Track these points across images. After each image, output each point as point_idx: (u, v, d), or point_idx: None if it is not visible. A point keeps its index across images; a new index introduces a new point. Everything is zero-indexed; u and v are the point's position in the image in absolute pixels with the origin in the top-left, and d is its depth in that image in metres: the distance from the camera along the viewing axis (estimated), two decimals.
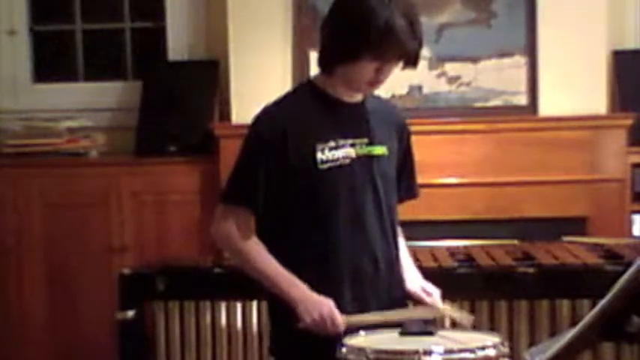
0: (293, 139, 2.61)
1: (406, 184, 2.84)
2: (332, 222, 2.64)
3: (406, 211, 2.85)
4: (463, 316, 2.67)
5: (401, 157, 2.80)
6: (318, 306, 2.55)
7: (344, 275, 2.64)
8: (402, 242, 2.84)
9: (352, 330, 2.53)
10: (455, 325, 2.69)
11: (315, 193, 2.63)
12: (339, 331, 2.53)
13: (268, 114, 2.68)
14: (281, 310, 2.65)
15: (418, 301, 2.75)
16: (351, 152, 2.66)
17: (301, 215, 2.64)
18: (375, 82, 2.64)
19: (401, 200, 2.83)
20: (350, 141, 2.67)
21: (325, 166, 2.63)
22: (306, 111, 2.67)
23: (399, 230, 2.85)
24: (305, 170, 2.62)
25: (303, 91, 2.75)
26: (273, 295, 2.65)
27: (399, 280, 2.76)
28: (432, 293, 2.74)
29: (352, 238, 2.65)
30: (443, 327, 2.64)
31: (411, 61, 2.61)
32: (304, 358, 2.65)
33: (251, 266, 2.66)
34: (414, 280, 2.78)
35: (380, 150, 2.71)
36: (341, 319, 2.55)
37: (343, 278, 2.64)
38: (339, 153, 2.64)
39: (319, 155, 2.62)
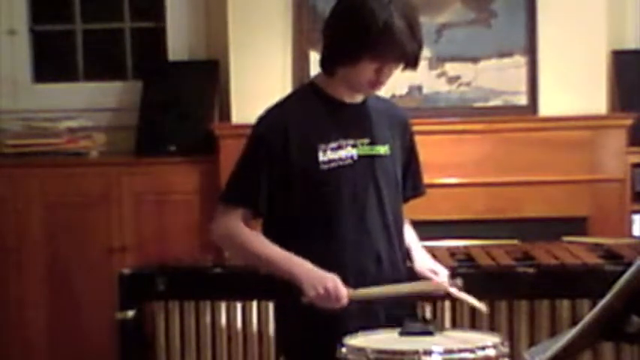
0: (295, 141, 2.63)
1: (411, 183, 2.85)
2: (335, 222, 2.65)
3: (406, 211, 2.85)
4: (474, 302, 2.69)
5: (405, 156, 2.81)
6: (322, 280, 2.56)
7: (347, 275, 2.64)
8: (409, 229, 2.86)
9: (355, 306, 2.53)
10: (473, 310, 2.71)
11: (317, 193, 2.64)
12: (344, 304, 2.55)
13: (270, 116, 2.70)
14: (292, 308, 2.66)
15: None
16: (352, 152, 2.67)
17: (304, 216, 2.66)
18: (376, 83, 2.65)
19: (407, 199, 2.85)
20: (351, 141, 2.68)
21: (327, 166, 2.64)
22: (308, 112, 2.68)
23: (407, 223, 2.86)
24: (307, 171, 2.63)
25: (305, 93, 2.76)
26: (281, 291, 2.66)
27: (405, 279, 2.76)
28: (439, 273, 2.75)
29: (355, 238, 2.66)
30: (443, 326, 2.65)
31: (411, 63, 2.62)
32: (314, 355, 2.65)
33: (252, 253, 2.67)
34: (422, 261, 2.80)
35: (382, 149, 2.72)
36: (345, 293, 2.56)
37: (346, 278, 2.64)
38: (341, 153, 2.66)
39: (321, 156, 2.64)
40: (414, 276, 2.79)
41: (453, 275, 2.86)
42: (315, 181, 2.64)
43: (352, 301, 2.57)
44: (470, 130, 4.50)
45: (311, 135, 2.65)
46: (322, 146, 2.64)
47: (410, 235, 2.87)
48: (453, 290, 2.74)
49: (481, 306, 2.76)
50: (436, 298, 3.09)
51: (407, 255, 2.82)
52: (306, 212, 2.65)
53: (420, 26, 2.62)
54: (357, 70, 2.61)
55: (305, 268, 2.59)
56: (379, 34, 2.54)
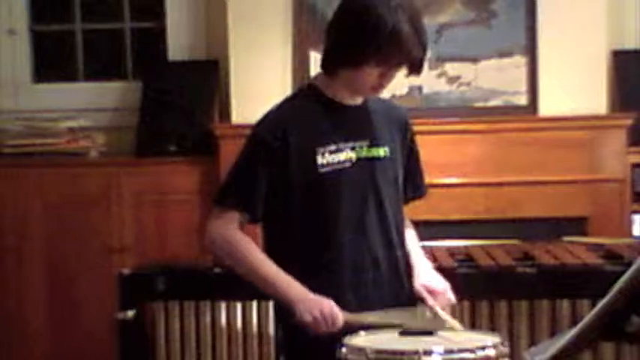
0: (294, 144, 2.61)
1: (412, 183, 2.83)
2: (333, 225, 2.64)
3: (406, 211, 2.84)
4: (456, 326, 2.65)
5: (405, 157, 2.80)
6: (318, 304, 2.55)
7: (345, 278, 2.64)
8: (411, 237, 2.84)
9: (351, 329, 2.53)
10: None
11: (315, 196, 2.63)
12: (339, 328, 2.53)
13: (269, 119, 2.68)
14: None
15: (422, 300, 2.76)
16: (351, 155, 2.66)
17: (302, 218, 2.64)
18: (378, 86, 2.64)
19: (408, 200, 2.83)
20: (350, 144, 2.66)
21: (325, 169, 2.62)
22: (307, 115, 2.67)
23: (410, 226, 2.85)
24: (306, 174, 2.62)
25: (304, 95, 2.74)
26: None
27: (405, 282, 2.76)
28: (436, 291, 2.74)
29: (353, 241, 2.65)
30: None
31: (416, 68, 2.61)
32: (314, 355, 2.65)
33: (247, 268, 2.65)
34: (419, 277, 2.77)
35: (382, 151, 2.70)
36: (340, 316, 2.55)
37: (345, 281, 2.64)
38: (340, 156, 2.64)
39: (319, 159, 2.62)
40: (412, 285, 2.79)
41: (454, 275, 2.85)
42: (313, 184, 2.62)
43: (347, 325, 2.54)
44: (470, 130, 4.50)
45: (310, 138, 2.63)
46: (321, 149, 2.62)
47: (412, 243, 2.83)
48: (439, 311, 2.70)
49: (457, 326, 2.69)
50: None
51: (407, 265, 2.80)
52: (304, 215, 2.63)
53: (425, 31, 2.61)
54: (360, 73, 2.59)
55: (300, 292, 2.57)
56: (387, 40, 2.53)
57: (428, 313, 2.62)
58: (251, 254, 2.64)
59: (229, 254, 2.68)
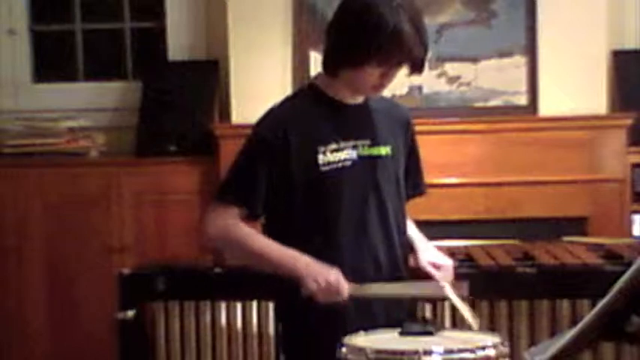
0: (295, 142, 2.61)
1: (412, 182, 2.84)
2: (334, 224, 2.64)
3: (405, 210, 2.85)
4: (468, 316, 2.66)
5: (406, 155, 2.80)
6: (324, 273, 2.55)
7: (346, 278, 2.63)
8: (412, 226, 2.85)
9: (356, 300, 2.55)
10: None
11: (317, 195, 2.63)
12: (344, 298, 2.55)
13: (270, 117, 2.68)
14: (292, 307, 2.66)
15: (428, 277, 2.76)
16: (352, 154, 2.66)
17: (303, 217, 2.64)
18: (379, 86, 2.65)
19: (408, 198, 2.83)
20: (352, 143, 2.67)
21: (327, 168, 2.63)
22: (308, 113, 2.67)
23: (410, 222, 2.86)
24: (307, 173, 2.62)
25: (305, 94, 2.75)
26: (281, 291, 2.65)
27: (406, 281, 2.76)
28: (443, 267, 2.74)
29: (354, 241, 2.65)
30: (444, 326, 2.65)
31: (418, 68, 2.62)
32: (314, 355, 2.65)
33: (250, 250, 2.65)
34: (425, 254, 2.78)
35: (383, 150, 2.71)
36: (346, 286, 2.56)
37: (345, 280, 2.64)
38: (341, 155, 2.64)
39: (321, 157, 2.62)
40: (415, 273, 2.79)
41: (457, 275, 2.84)
42: (314, 183, 2.62)
43: (352, 297, 2.57)
44: (470, 130, 4.50)
45: (311, 137, 2.63)
46: (322, 148, 2.63)
47: (412, 228, 2.85)
48: (452, 297, 2.71)
49: (473, 322, 2.68)
50: (436, 299, 3.09)
51: (409, 247, 2.80)
52: (305, 214, 2.64)
53: (426, 31, 2.62)
54: (362, 73, 2.59)
55: (306, 262, 2.58)
56: (388, 39, 2.53)
57: (432, 287, 2.64)
58: (252, 236, 2.65)
59: (230, 240, 2.68)
